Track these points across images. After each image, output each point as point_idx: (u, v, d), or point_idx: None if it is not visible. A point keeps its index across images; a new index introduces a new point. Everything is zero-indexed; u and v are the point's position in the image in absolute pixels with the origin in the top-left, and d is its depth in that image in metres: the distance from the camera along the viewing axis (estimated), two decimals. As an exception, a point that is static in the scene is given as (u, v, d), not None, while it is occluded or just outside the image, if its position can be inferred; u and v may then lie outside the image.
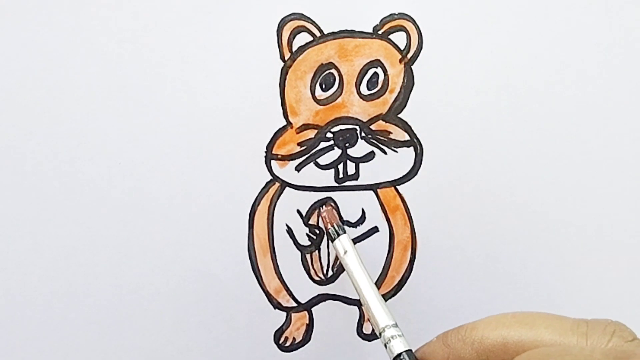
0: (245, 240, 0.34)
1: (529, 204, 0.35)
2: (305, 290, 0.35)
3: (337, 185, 0.34)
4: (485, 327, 0.28)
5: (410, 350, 0.28)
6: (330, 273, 0.35)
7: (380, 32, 0.33)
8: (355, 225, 0.35)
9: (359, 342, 0.35)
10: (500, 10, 0.34)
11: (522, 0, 0.34)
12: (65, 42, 0.32)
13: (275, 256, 0.34)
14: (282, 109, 0.33)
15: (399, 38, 0.34)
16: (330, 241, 0.33)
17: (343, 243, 0.32)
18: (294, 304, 0.35)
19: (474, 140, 0.34)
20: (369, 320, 0.35)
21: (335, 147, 0.34)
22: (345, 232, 0.33)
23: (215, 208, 0.34)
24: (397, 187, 0.35)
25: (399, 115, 0.34)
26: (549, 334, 0.26)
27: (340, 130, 0.34)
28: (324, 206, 0.34)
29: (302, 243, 0.34)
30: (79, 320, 0.33)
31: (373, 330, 0.35)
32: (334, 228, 0.33)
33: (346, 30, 0.33)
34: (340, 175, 0.34)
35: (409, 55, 0.34)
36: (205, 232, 0.34)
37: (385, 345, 0.29)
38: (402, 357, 0.28)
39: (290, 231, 0.34)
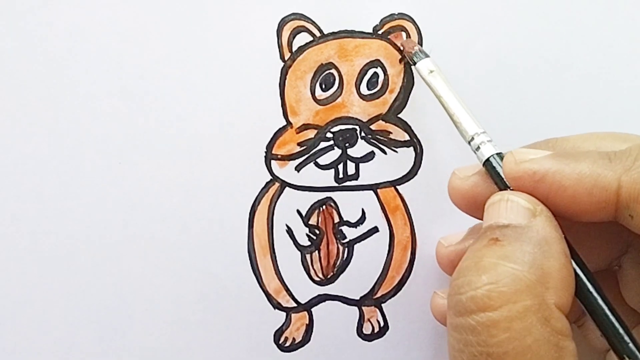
0: (245, 241, 0.34)
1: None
2: (305, 290, 0.35)
3: (337, 185, 0.34)
4: (577, 139, 0.28)
5: (500, 152, 0.28)
6: (330, 273, 0.35)
7: (380, 32, 0.34)
8: (355, 225, 0.35)
9: (359, 342, 0.35)
10: (500, 10, 0.34)
11: (522, 0, 0.34)
12: (65, 42, 0.32)
13: (275, 256, 0.34)
14: (282, 109, 0.33)
15: (399, 38, 0.34)
16: (412, 65, 0.32)
17: (427, 64, 0.32)
18: (294, 304, 0.35)
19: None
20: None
21: (335, 147, 0.34)
22: (429, 56, 0.32)
23: (215, 208, 0.34)
24: (397, 187, 0.35)
25: (399, 115, 0.34)
26: None
27: (340, 130, 0.34)
28: (395, 35, 0.33)
29: (302, 243, 0.34)
30: (78, 320, 0.33)
31: (373, 330, 0.35)
32: (419, 52, 0.32)
33: (346, 30, 0.33)
34: (340, 175, 0.34)
35: (408, 56, 0.34)
36: (205, 232, 0.34)
37: (475, 152, 0.29)
38: (491, 159, 0.28)
39: (290, 231, 0.34)
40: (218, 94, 0.33)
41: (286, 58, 0.33)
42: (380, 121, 0.34)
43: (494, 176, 0.28)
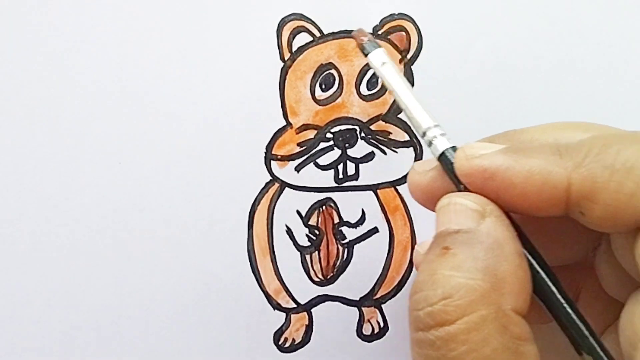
0: (245, 241, 0.34)
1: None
2: (305, 291, 0.35)
3: (337, 185, 0.34)
4: (535, 131, 0.27)
5: (455, 146, 0.27)
6: (330, 274, 0.35)
7: (380, 32, 0.34)
8: (355, 225, 0.35)
9: (359, 343, 0.35)
10: (500, 10, 0.34)
11: (522, 0, 0.34)
12: (65, 42, 0.32)
13: (275, 257, 0.34)
14: (282, 109, 0.33)
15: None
16: (364, 55, 0.30)
17: (380, 56, 0.30)
18: (294, 305, 0.35)
19: (474, 140, 0.34)
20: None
21: (335, 148, 0.34)
22: (381, 47, 0.30)
23: (214, 208, 0.34)
24: (397, 187, 0.34)
25: (399, 116, 0.34)
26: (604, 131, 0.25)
27: (340, 130, 0.34)
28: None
29: (301, 244, 0.34)
30: (78, 320, 0.33)
31: (373, 331, 0.35)
32: (371, 42, 0.30)
33: (346, 30, 0.33)
34: (340, 176, 0.34)
35: (408, 56, 0.34)
36: (205, 232, 0.34)
37: (429, 146, 0.28)
38: (445, 153, 0.27)
39: (289, 232, 0.34)
40: (218, 94, 0.33)
41: (286, 58, 0.33)
42: (380, 121, 0.34)
43: (448, 172, 0.27)
